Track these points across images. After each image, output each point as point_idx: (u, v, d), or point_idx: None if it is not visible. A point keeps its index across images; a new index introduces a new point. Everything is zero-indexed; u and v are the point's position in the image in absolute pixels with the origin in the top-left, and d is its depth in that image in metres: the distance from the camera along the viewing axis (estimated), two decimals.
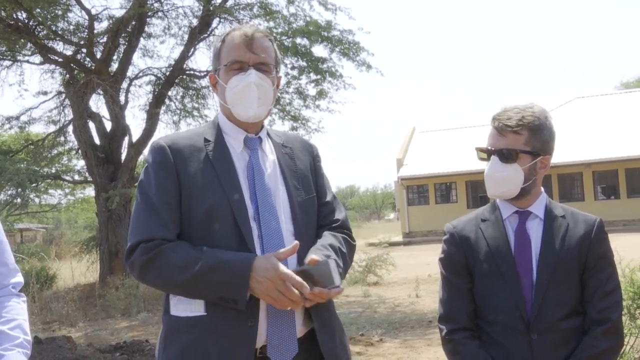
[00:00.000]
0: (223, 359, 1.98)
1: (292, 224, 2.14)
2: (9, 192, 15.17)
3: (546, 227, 2.30)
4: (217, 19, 14.89)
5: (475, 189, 32.13)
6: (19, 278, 2.07)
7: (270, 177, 2.16)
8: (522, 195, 2.30)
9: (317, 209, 2.25)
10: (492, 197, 2.36)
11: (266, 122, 2.31)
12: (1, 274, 2.01)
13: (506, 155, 2.26)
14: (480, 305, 2.32)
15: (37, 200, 17.86)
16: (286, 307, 1.95)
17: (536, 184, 2.32)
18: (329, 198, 2.33)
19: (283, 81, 16.51)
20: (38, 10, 13.69)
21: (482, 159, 2.36)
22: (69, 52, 15.50)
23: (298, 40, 13.89)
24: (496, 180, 2.28)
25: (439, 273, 2.47)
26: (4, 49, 15.47)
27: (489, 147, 2.31)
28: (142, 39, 15.64)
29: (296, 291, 1.91)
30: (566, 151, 25.58)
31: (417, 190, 33.73)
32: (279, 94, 14.58)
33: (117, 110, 14.83)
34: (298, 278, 1.92)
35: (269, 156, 2.22)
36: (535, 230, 2.31)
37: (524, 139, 2.26)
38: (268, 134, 2.28)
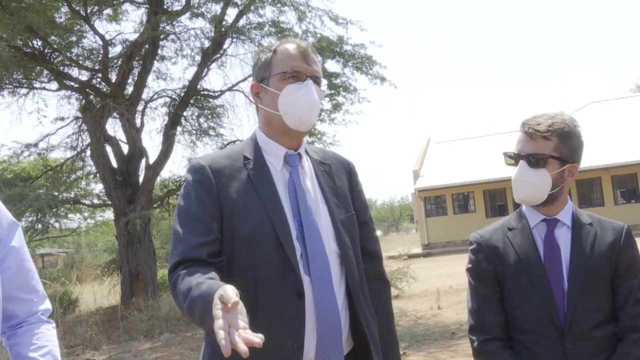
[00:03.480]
0: None
1: (336, 243, 2.12)
2: (30, 219, 15.31)
3: (574, 234, 2.29)
4: (230, 39, 15.02)
5: (493, 198, 31.99)
6: (48, 305, 2.09)
7: (310, 194, 2.14)
8: (549, 202, 2.28)
9: (357, 228, 2.23)
10: (519, 202, 2.33)
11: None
12: (31, 301, 2.03)
13: (535, 160, 2.25)
14: (512, 314, 2.30)
15: (57, 225, 18.01)
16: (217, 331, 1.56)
17: (563, 191, 2.31)
18: (366, 217, 2.31)
19: None
20: (53, 37, 13.89)
21: (509, 164, 2.34)
22: (84, 78, 15.70)
23: None
24: (524, 185, 2.27)
25: (467, 283, 2.45)
26: (20, 77, 15.69)
27: (518, 152, 2.30)
28: (155, 61, 15.81)
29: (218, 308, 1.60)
30: (584, 156, 25.37)
31: (435, 201, 33.63)
32: None
33: (133, 133, 14.95)
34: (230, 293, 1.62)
35: (308, 173, 2.19)
36: (564, 238, 2.29)
37: (553, 144, 2.25)
38: (305, 151, 2.25)
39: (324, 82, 2.27)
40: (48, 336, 2.01)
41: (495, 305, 2.32)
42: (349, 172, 2.32)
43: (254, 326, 1.92)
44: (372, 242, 2.32)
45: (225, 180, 2.06)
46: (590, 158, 27.02)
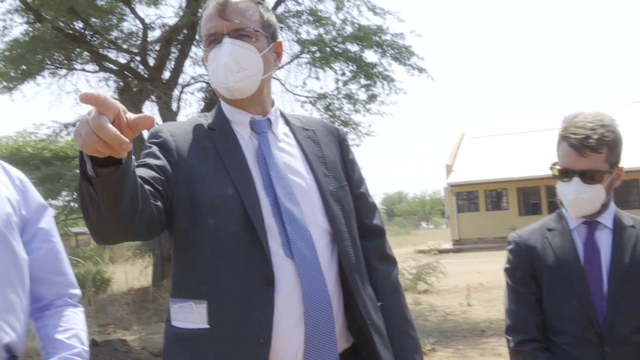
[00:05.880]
0: None
1: (326, 218, 1.84)
2: (66, 198, 15.56)
3: (616, 237, 2.23)
4: None
5: (526, 196, 31.60)
6: (77, 290, 2.09)
7: (289, 163, 1.87)
8: (600, 210, 2.24)
9: (351, 200, 1.95)
10: (576, 218, 2.26)
11: (282, 105, 2.13)
12: (60, 284, 2.04)
13: (591, 177, 2.17)
14: (549, 316, 2.26)
15: None
16: (89, 144, 1.27)
17: (611, 196, 2.27)
18: (362, 189, 2.03)
19: (332, 87, 16.47)
20: (94, 20, 14.02)
21: (556, 176, 2.25)
22: (122, 60, 15.85)
23: (349, 46, 13.91)
24: (581, 202, 2.19)
25: (497, 281, 2.45)
26: (61, 58, 15.90)
27: (569, 167, 2.20)
28: (193, 46, 15.89)
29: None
30: (622, 157, 24.94)
31: (467, 197, 33.35)
32: (330, 100, 14.78)
33: (170, 116, 15.07)
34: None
35: (286, 140, 1.94)
36: (604, 240, 2.24)
37: (604, 157, 2.18)
38: (285, 118, 2.01)
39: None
40: (75, 319, 2.02)
41: (533, 306, 2.28)
42: (339, 139, 2.06)
43: (211, 314, 1.73)
44: (372, 216, 2.03)
45: (186, 146, 1.83)
46: (629, 159, 26.55)
